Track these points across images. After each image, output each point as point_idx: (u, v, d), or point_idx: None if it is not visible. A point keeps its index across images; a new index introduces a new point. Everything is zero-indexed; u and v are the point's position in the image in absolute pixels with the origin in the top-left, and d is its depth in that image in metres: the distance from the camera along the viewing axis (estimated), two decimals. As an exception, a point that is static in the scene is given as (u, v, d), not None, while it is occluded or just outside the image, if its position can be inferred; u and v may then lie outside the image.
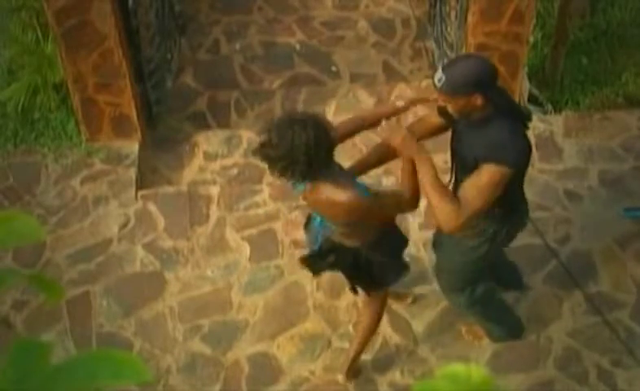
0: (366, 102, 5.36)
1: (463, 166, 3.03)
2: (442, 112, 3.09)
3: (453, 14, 4.92)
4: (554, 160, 4.74)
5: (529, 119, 3.04)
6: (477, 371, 0.81)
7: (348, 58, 5.74)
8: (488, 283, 3.57)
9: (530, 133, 4.77)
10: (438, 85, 2.82)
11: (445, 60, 2.97)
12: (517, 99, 4.86)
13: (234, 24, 6.06)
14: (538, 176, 4.63)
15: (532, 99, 5.01)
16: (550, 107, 5.02)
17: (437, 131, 3.30)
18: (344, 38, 5.92)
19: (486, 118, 2.87)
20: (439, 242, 3.44)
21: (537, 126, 4.89)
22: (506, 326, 3.81)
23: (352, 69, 5.65)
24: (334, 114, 5.29)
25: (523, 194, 3.24)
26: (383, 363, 3.86)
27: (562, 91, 5.10)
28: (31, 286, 0.83)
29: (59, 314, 4.05)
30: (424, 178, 2.82)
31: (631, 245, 4.29)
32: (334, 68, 5.65)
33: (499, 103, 2.87)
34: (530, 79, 5.00)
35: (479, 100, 2.80)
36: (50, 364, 0.74)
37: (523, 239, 4.32)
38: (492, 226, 3.16)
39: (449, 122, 3.14)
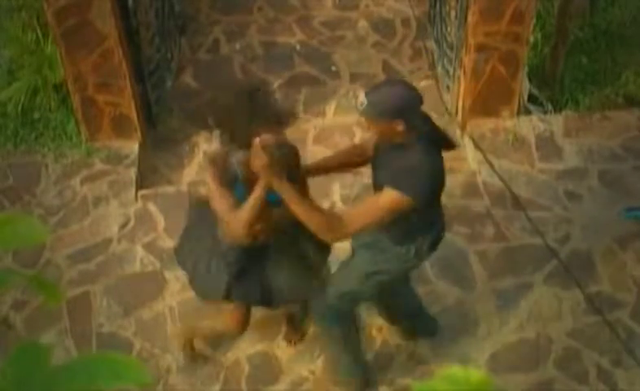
0: (366, 102, 5.35)
1: (378, 179, 3.03)
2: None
3: (453, 14, 4.92)
4: (554, 160, 4.74)
5: (453, 147, 3.04)
6: (475, 372, 0.81)
7: (348, 58, 5.74)
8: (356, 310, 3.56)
9: (530, 133, 4.83)
10: (360, 108, 2.83)
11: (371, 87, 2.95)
12: (517, 99, 4.87)
13: (234, 24, 6.07)
14: (538, 176, 4.63)
15: (532, 99, 5.02)
16: (550, 107, 5.02)
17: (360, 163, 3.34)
18: (344, 38, 5.92)
19: (406, 145, 2.85)
20: (356, 249, 3.37)
21: (537, 126, 4.89)
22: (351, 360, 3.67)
23: (352, 69, 5.66)
24: (334, 114, 5.30)
25: (437, 216, 3.18)
26: (383, 363, 3.86)
27: (562, 91, 5.10)
28: (30, 287, 0.84)
29: (59, 314, 4.05)
30: (289, 200, 2.80)
31: (631, 245, 4.29)
32: (333, 68, 5.65)
33: (421, 131, 2.85)
34: (530, 79, 5.00)
35: (400, 126, 2.78)
36: (50, 366, 0.74)
37: (523, 238, 4.33)
38: (396, 246, 3.12)
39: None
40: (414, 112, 2.83)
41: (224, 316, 3.49)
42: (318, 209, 2.91)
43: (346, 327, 3.49)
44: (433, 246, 3.17)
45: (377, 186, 2.99)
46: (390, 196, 2.79)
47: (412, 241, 3.08)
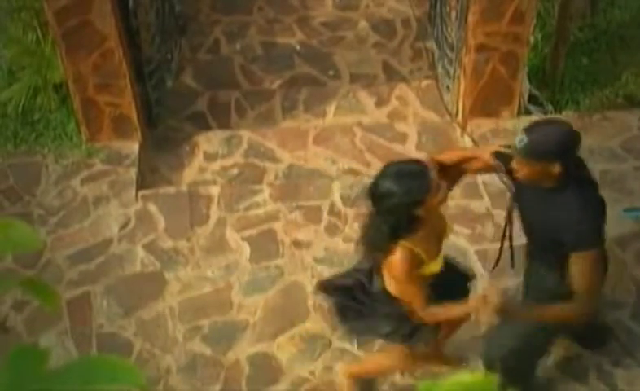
0: (366, 102, 5.36)
1: (537, 230, 2.99)
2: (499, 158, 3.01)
3: (453, 14, 4.92)
4: (554, 160, 4.73)
5: (597, 188, 2.93)
6: (478, 373, 0.82)
7: (348, 58, 5.74)
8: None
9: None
10: (518, 146, 2.71)
11: (527, 124, 2.86)
12: (517, 99, 4.87)
13: (235, 24, 6.07)
14: (538, 176, 4.63)
15: (532, 99, 5.02)
16: (550, 107, 5.02)
17: (483, 171, 3.28)
18: (344, 39, 5.92)
19: (558, 187, 2.78)
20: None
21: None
22: None
23: (353, 69, 5.66)
24: (334, 114, 5.30)
25: None
26: (383, 363, 3.86)
27: (562, 91, 5.10)
28: (26, 291, 0.84)
29: (59, 315, 4.05)
30: (544, 316, 2.92)
31: (631, 245, 4.29)
32: (331, 72, 5.64)
33: (575, 176, 2.78)
34: (530, 79, 5.00)
35: (556, 169, 2.70)
36: (47, 369, 0.74)
37: (523, 239, 4.33)
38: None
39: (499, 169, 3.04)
40: (572, 154, 2.75)
41: (393, 354, 3.43)
42: (561, 304, 2.89)
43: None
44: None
45: (538, 232, 2.97)
46: (591, 258, 2.77)
47: None
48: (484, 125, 4.89)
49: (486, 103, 4.84)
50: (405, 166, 2.82)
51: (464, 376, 0.81)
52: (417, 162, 2.83)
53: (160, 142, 5.05)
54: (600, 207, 2.87)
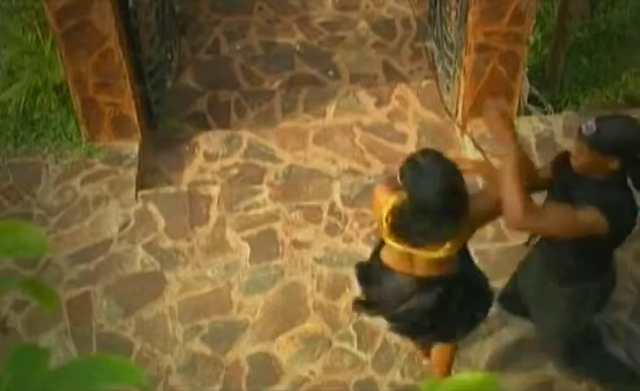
0: (366, 102, 5.36)
1: None
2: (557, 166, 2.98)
3: (453, 14, 4.92)
4: (554, 160, 4.73)
5: None
6: (479, 373, 0.82)
7: (348, 58, 5.74)
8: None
9: (531, 134, 4.82)
10: (586, 133, 2.68)
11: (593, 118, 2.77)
12: (517, 99, 4.86)
13: (235, 24, 6.07)
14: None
15: (532, 99, 5.02)
16: (550, 107, 5.02)
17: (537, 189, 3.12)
18: (344, 38, 5.92)
19: (607, 182, 2.73)
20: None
21: (537, 127, 4.89)
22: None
23: (353, 70, 5.65)
24: (334, 114, 5.30)
25: (610, 260, 3.11)
26: (384, 363, 3.86)
27: (562, 91, 5.10)
28: (27, 293, 0.83)
29: (59, 315, 4.06)
30: (508, 166, 2.68)
31: (631, 245, 4.28)
32: (331, 73, 5.64)
33: (633, 176, 2.74)
34: (530, 79, 5.00)
35: (615, 165, 2.67)
36: (47, 368, 0.74)
37: (523, 238, 4.33)
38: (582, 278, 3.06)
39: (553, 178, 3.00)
40: (635, 154, 2.72)
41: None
42: (523, 190, 2.69)
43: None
44: (603, 297, 3.13)
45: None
46: (591, 214, 2.65)
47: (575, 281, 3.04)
48: (484, 125, 4.87)
49: (486, 103, 4.83)
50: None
51: (465, 376, 0.81)
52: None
53: (160, 142, 5.05)
54: (633, 210, 2.80)
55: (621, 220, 2.74)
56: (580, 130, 2.73)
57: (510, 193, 2.63)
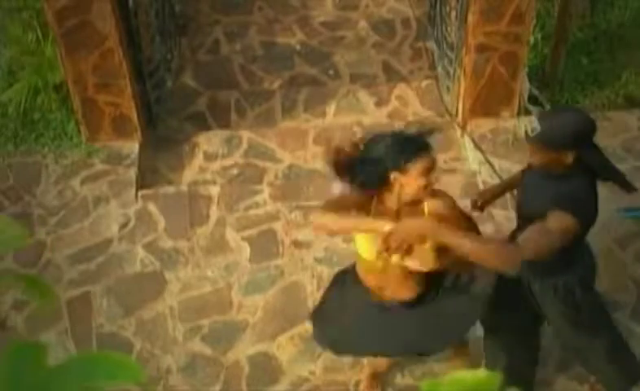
0: (366, 102, 5.36)
1: (528, 213, 2.86)
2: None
3: (453, 14, 4.92)
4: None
5: (628, 189, 2.86)
6: (481, 371, 0.82)
7: (348, 58, 5.74)
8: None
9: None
10: (530, 134, 2.70)
11: (537, 111, 2.79)
12: (517, 99, 4.86)
13: (235, 24, 6.07)
14: (538, 176, 4.63)
15: (532, 99, 5.01)
16: (550, 107, 5.01)
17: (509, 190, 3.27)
18: (344, 38, 5.93)
19: (568, 174, 2.73)
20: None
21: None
22: None
23: (352, 69, 5.66)
24: (334, 114, 5.30)
25: (579, 253, 3.08)
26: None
27: (562, 91, 5.10)
28: (26, 288, 0.83)
29: (59, 314, 4.06)
30: (463, 248, 2.55)
31: (631, 245, 4.29)
32: (331, 72, 5.64)
33: (591, 164, 2.73)
34: (530, 79, 5.00)
35: (569, 157, 2.68)
36: (46, 365, 0.74)
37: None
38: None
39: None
40: (587, 143, 2.72)
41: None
42: (490, 241, 2.77)
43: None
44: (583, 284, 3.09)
45: (527, 214, 2.85)
46: (559, 219, 2.61)
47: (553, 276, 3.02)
48: (484, 125, 4.89)
49: (486, 103, 4.84)
50: (406, 136, 2.81)
51: (466, 375, 0.81)
52: (419, 140, 2.78)
53: (160, 142, 5.05)
54: (593, 200, 2.81)
55: (584, 211, 2.74)
56: (526, 133, 2.74)
57: (489, 253, 2.57)
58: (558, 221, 2.62)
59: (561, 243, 2.65)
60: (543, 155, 2.74)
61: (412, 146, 2.74)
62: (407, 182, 2.74)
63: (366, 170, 2.76)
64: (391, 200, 2.81)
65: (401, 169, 2.72)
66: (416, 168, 2.71)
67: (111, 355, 0.74)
